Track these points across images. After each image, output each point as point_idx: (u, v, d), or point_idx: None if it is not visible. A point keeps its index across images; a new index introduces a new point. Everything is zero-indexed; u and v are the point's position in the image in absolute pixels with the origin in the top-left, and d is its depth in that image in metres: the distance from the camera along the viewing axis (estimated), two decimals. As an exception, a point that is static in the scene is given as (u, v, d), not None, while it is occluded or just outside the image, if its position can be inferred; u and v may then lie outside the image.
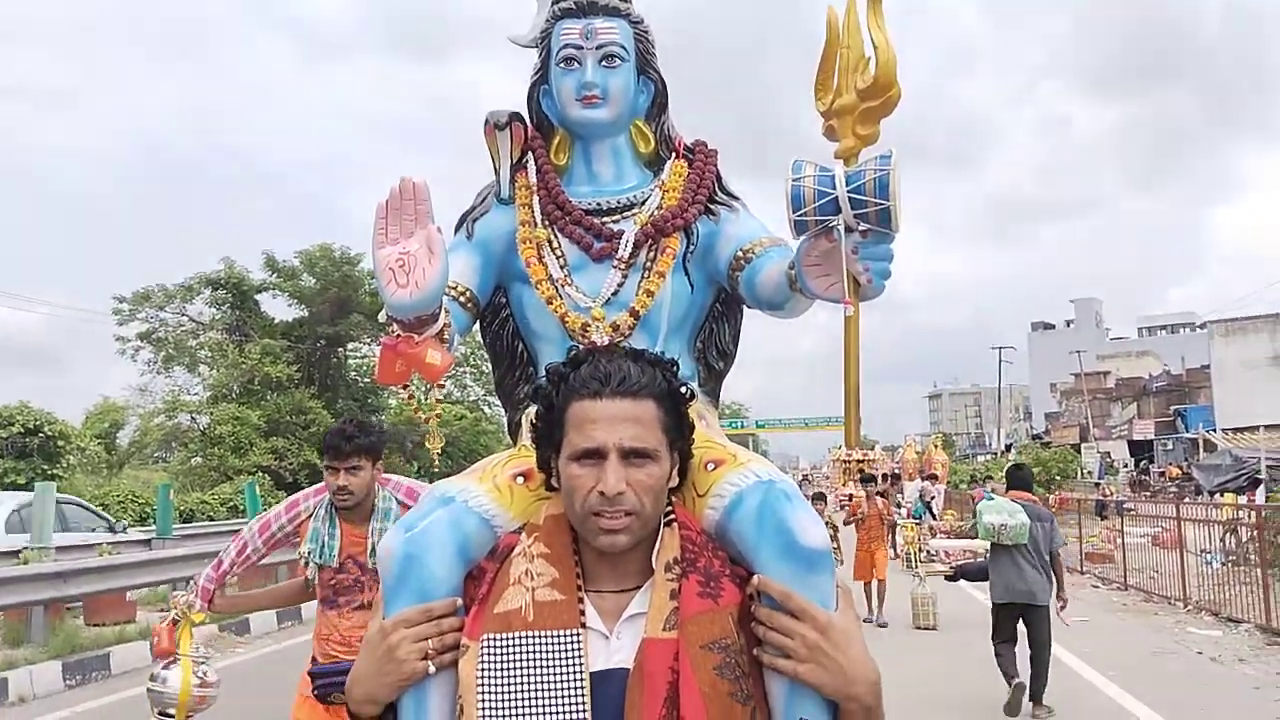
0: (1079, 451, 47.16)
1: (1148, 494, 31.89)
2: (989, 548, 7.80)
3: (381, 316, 1.74)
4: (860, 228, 1.70)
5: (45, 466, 23.62)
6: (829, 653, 1.50)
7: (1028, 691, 7.20)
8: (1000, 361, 57.20)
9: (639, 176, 2.21)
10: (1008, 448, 51.64)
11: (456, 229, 2.21)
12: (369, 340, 41.42)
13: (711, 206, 2.16)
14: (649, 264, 2.09)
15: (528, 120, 2.22)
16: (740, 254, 2.10)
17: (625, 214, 2.13)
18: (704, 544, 1.61)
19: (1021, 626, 7.49)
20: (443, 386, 1.87)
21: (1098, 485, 37.21)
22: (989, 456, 50.28)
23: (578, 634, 1.51)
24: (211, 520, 26.26)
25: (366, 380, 41.80)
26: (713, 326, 2.23)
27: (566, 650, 1.50)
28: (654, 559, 1.58)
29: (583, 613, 1.54)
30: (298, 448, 33.51)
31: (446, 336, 1.81)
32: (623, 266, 2.08)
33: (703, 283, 2.17)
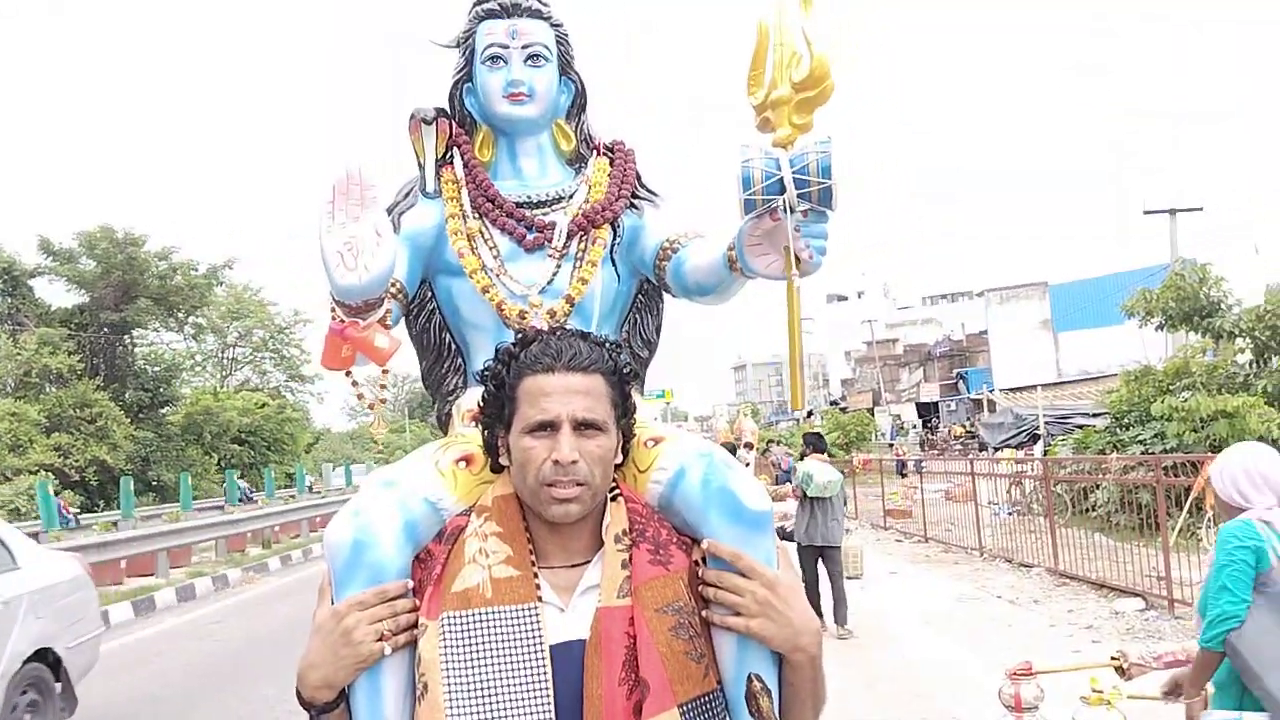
0: (873, 415, 49.89)
1: (935, 452, 34.10)
2: (800, 502, 9.26)
3: (329, 302, 1.74)
4: (802, 207, 1.82)
5: None
6: (778, 607, 1.60)
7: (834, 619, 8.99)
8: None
9: (562, 173, 2.29)
10: (809, 414, 53.98)
11: None
12: (157, 327, 39.23)
13: (635, 201, 2.26)
14: (581, 254, 2.17)
15: (451, 117, 2.26)
16: (667, 244, 2.19)
17: (553, 207, 2.21)
18: (649, 515, 1.69)
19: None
20: (388, 371, 1.89)
21: (891, 446, 39.52)
22: (792, 423, 52.39)
23: (535, 608, 1.57)
24: (-11, 525, 24.21)
25: (156, 369, 39.59)
26: (637, 317, 2.34)
27: (526, 624, 1.56)
28: (604, 531, 1.65)
29: (539, 587, 1.60)
30: (84, 444, 31.36)
31: (389, 322, 1.83)
32: (557, 256, 2.15)
33: (627, 274, 2.26)
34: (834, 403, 64.54)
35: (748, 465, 22.19)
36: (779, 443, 29.82)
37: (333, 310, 1.74)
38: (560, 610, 1.61)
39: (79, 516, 24.23)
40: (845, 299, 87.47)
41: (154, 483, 34.69)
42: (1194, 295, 15.93)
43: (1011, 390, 35.24)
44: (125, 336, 37.46)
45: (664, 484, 1.71)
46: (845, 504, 9.94)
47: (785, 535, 9.78)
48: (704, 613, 1.63)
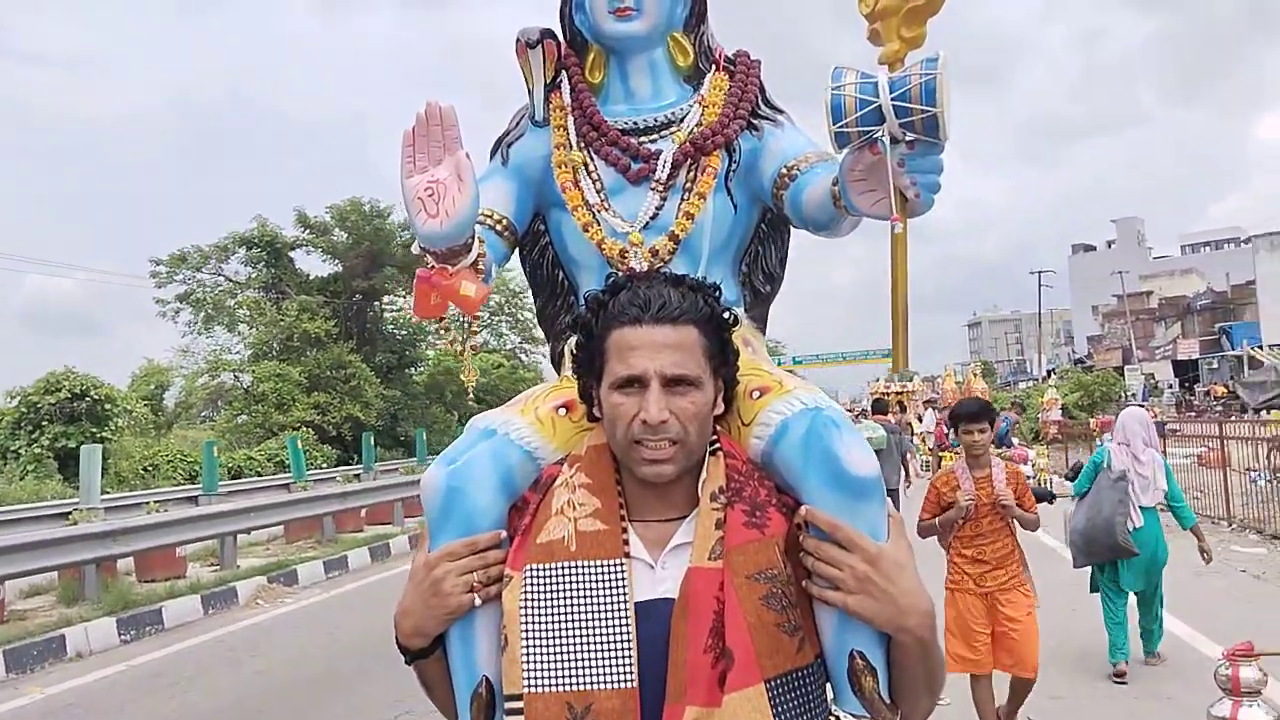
0: (1122, 374, 46.62)
1: (1192, 414, 31.49)
2: None
3: (414, 248, 1.69)
4: (906, 138, 1.59)
5: (94, 430, 24.13)
6: (880, 584, 1.46)
7: None
8: (1040, 286, 56.37)
9: (678, 92, 2.07)
10: (1049, 373, 51.08)
11: (491, 155, 2.12)
12: (404, 293, 41.61)
13: (754, 121, 2.04)
14: (689, 185, 1.98)
15: (560, 38, 2.09)
16: (785, 171, 1.98)
17: (663, 132, 2.01)
18: (750, 473, 1.57)
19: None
20: (479, 318, 1.82)
21: (1141, 407, 36.77)
22: (1030, 382, 49.80)
23: (621, 564, 1.49)
24: (259, 476, 26.71)
25: (403, 333, 42.12)
26: (758, 249, 2.13)
27: (610, 580, 1.48)
28: (699, 488, 1.55)
29: (626, 542, 1.52)
30: (340, 402, 33.90)
31: (482, 267, 1.74)
32: (661, 188, 1.97)
33: (746, 203, 2.06)
34: (1079, 361, 60.85)
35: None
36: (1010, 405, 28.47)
37: (422, 257, 1.69)
38: (650, 567, 1.52)
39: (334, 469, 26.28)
40: (1093, 248, 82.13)
41: (401, 438, 37.11)
42: None
43: (1281, 346, 32.01)
44: (374, 302, 40.05)
45: (765, 440, 1.58)
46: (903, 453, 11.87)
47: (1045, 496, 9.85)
48: (804, 583, 1.51)
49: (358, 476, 22.72)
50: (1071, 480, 13.63)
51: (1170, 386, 47.06)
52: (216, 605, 10.59)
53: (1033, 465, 18.44)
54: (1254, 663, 4.56)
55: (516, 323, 49.60)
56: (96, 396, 24.63)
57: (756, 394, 1.64)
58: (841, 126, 1.60)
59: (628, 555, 1.51)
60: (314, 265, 38.84)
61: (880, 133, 1.59)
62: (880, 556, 1.47)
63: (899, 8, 1.62)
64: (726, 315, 1.60)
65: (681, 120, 2.02)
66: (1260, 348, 32.62)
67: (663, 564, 1.52)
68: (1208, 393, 38.61)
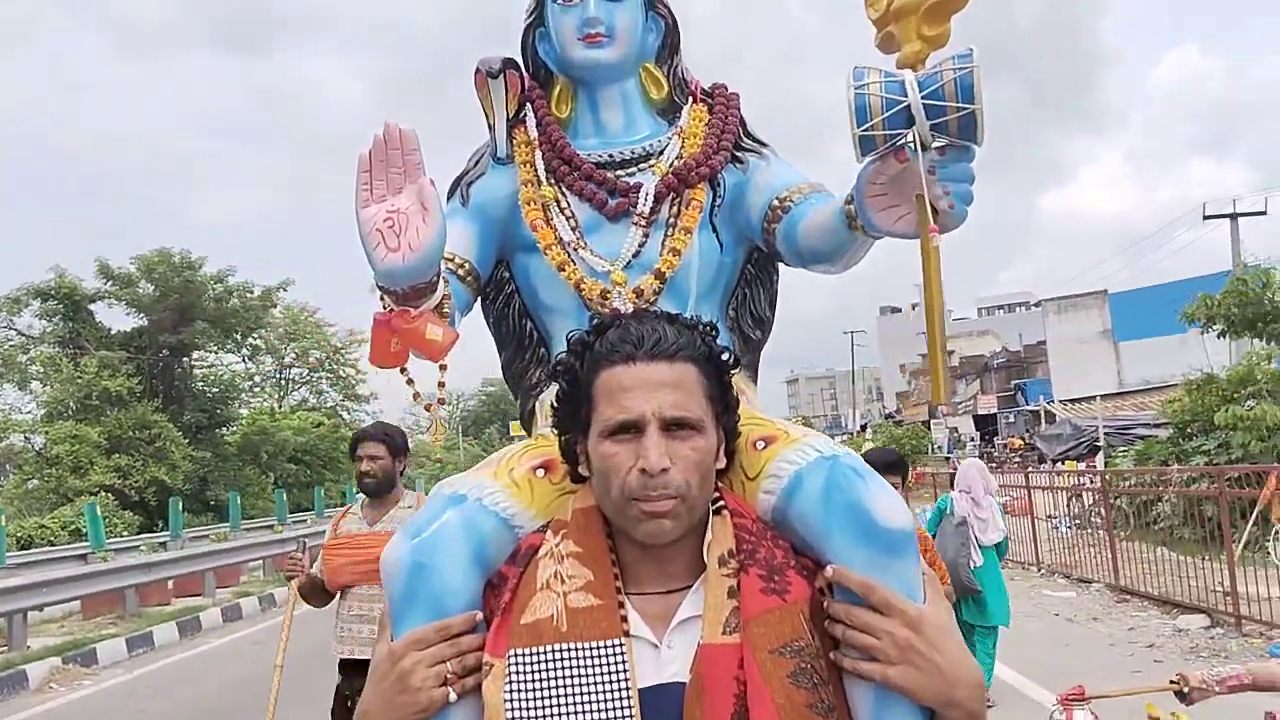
0: (929, 428, 49.10)
1: (993, 465, 33.42)
2: None
3: (369, 287, 1.54)
4: (937, 142, 1.46)
5: None
6: (923, 652, 1.30)
7: None
8: (853, 345, 58.98)
9: (652, 125, 1.97)
10: (863, 428, 53.35)
11: (449, 195, 1.97)
12: (215, 348, 39.80)
13: (738, 154, 1.95)
14: (673, 220, 1.87)
15: (523, 69, 1.98)
16: (776, 203, 1.87)
17: (640, 166, 1.91)
18: (762, 532, 1.41)
19: None
20: (445, 367, 1.65)
21: (948, 459, 38.82)
22: (845, 436, 51.74)
23: (620, 644, 1.32)
24: (53, 545, 24.70)
25: (214, 390, 40.17)
26: (746, 291, 2.02)
27: (609, 664, 1.31)
28: (705, 552, 1.38)
29: (625, 619, 1.35)
30: (143, 464, 31.89)
31: (447, 310, 1.58)
32: (643, 223, 1.85)
33: (732, 241, 1.95)
34: (888, 416, 63.80)
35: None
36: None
37: (381, 298, 1.52)
38: (654, 646, 1.35)
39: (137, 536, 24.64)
40: (898, 310, 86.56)
41: (211, 502, 35.16)
42: (1257, 301, 15.40)
43: (1071, 401, 34.40)
44: (183, 358, 38.09)
45: (777, 495, 1.42)
46: None
47: None
48: (832, 654, 1.34)
49: (164, 545, 21.38)
50: None
51: (972, 439, 49.81)
52: (4, 690, 9.63)
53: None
54: (1085, 706, 4.77)
55: (338, 379, 48.15)
56: None
57: (761, 444, 1.50)
58: (866, 129, 1.48)
59: (627, 634, 1.34)
60: (117, 319, 36.74)
61: (909, 136, 1.48)
62: (922, 620, 1.32)
63: (919, 5, 1.50)
64: (725, 356, 1.46)
65: (660, 153, 1.92)
66: (1053, 403, 34.99)
67: (669, 642, 1.36)
68: (1005, 445, 41.05)
